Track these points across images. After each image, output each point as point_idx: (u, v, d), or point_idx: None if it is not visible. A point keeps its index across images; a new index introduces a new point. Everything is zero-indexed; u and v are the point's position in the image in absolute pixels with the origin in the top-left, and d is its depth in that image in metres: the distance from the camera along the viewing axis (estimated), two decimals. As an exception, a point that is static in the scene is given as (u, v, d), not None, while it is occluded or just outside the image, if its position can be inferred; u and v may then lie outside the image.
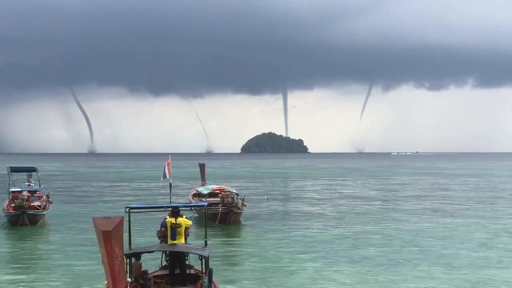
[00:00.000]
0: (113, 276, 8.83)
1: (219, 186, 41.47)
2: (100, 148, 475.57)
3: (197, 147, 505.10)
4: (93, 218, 8.69)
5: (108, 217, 8.72)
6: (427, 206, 45.67)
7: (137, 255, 14.90)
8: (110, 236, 8.50)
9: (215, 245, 26.68)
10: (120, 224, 8.70)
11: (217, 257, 23.62)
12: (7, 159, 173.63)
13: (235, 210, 34.55)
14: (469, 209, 43.40)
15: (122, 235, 8.91)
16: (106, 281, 9.19)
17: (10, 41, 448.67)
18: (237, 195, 35.96)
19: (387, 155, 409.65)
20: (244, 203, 36.33)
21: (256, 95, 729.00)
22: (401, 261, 23.44)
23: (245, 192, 44.95)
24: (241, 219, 35.35)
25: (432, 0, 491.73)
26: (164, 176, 27.91)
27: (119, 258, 8.89)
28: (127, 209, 15.61)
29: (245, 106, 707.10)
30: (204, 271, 14.92)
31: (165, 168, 28.02)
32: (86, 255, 24.29)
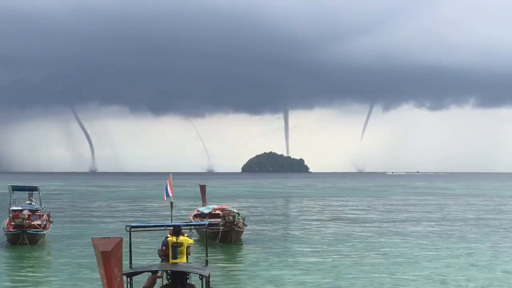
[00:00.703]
0: None
1: (220, 205, 41.40)
2: (102, 167, 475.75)
3: (198, 166, 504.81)
4: (92, 238, 8.66)
5: (107, 238, 8.69)
6: (427, 227, 45.51)
7: (138, 274, 14.86)
8: (109, 257, 8.46)
9: (216, 264, 26.61)
10: (119, 245, 8.66)
11: (218, 276, 23.52)
12: (8, 178, 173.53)
13: (236, 229, 34.50)
14: (470, 229, 43.27)
15: (121, 255, 8.86)
16: None
17: (11, 60, 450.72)
18: (238, 214, 35.91)
19: (382, 174, 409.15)
20: (245, 222, 36.30)
21: (257, 114, 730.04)
22: (404, 283, 23.32)
23: (246, 212, 44.87)
24: (242, 238, 35.27)
25: (433, 19, 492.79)
26: (167, 195, 27.68)
27: (118, 279, 8.82)
28: (128, 228, 15.61)
29: (246, 125, 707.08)
30: None
31: (167, 187, 27.85)
32: (86, 275, 24.18)
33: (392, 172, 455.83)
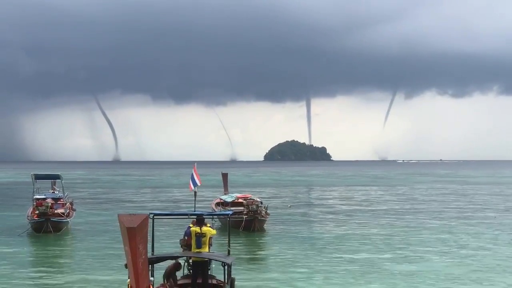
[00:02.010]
0: (136, 274, 8.71)
1: (243, 194, 41.27)
2: (125, 156, 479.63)
3: (221, 155, 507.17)
4: (118, 215, 8.57)
5: (133, 214, 8.60)
6: (451, 215, 44.97)
7: (160, 261, 14.81)
8: (134, 233, 8.37)
9: (239, 253, 26.52)
10: (145, 222, 8.56)
11: (241, 265, 23.40)
12: (32, 167, 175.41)
13: (259, 218, 34.38)
14: (495, 217, 42.69)
15: (147, 233, 8.80)
16: (129, 280, 9.04)
17: (37, 50, 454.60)
18: (261, 203, 35.75)
19: (393, 162, 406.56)
20: (268, 211, 36.16)
21: (279, 102, 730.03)
22: (431, 270, 22.99)
23: (268, 201, 44.66)
24: (264, 227, 35.13)
25: (457, 6, 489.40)
26: (194, 184, 27.04)
27: (143, 256, 8.75)
28: (151, 215, 15.52)
29: (268, 114, 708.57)
30: (226, 280, 14.75)
31: (193, 176, 27.30)
32: (109, 262, 24.20)
33: (403, 160, 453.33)
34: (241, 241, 30.99)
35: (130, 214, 8.61)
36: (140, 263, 8.67)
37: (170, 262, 15.74)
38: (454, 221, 40.86)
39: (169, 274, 15.29)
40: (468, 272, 22.63)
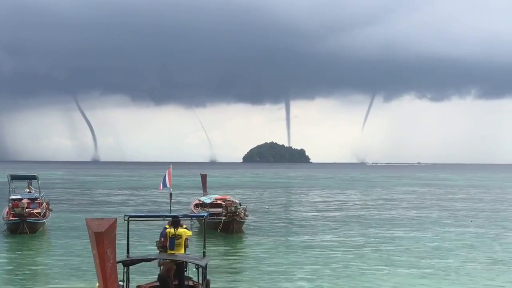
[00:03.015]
0: (105, 278, 8.73)
1: (221, 195, 41.20)
2: (104, 157, 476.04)
3: (201, 156, 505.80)
4: (86, 219, 8.56)
5: (101, 219, 8.59)
6: (427, 217, 45.33)
7: (135, 263, 14.74)
8: (102, 238, 8.39)
9: (217, 255, 26.51)
10: (113, 226, 8.58)
11: (218, 266, 23.42)
12: (11, 167, 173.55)
13: (238, 219, 34.37)
14: (472, 221, 43.07)
15: (115, 237, 8.79)
16: (98, 284, 9.07)
17: (16, 49, 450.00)
18: (240, 204, 35.73)
19: (362, 165, 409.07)
20: (246, 213, 36.15)
21: (259, 104, 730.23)
22: (403, 272, 23.15)
23: (247, 202, 44.67)
24: (243, 228, 35.13)
25: (435, 11, 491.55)
26: (164, 185, 27.64)
27: (111, 261, 8.76)
28: (126, 217, 15.44)
29: (248, 116, 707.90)
30: (201, 282, 14.75)
31: (165, 176, 27.71)
32: (85, 263, 24.00)
33: (372, 163, 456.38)
34: (219, 243, 30.94)
35: (98, 218, 8.60)
36: (108, 267, 8.67)
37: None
38: (428, 223, 41.19)
39: (164, 280, 15.17)
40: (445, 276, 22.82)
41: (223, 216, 34.23)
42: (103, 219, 8.58)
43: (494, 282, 21.73)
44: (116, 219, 8.60)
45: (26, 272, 23.07)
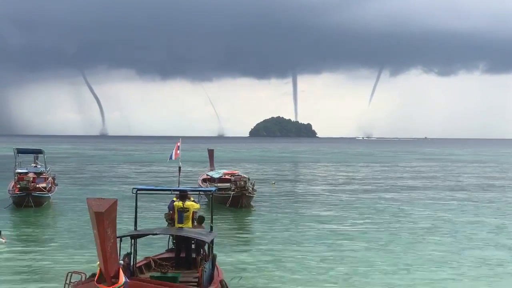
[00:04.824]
0: (105, 258, 8.70)
1: (230, 170, 40.92)
2: (112, 131, 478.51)
3: (209, 131, 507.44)
4: (87, 199, 8.42)
5: (102, 199, 8.47)
6: (434, 193, 44.95)
7: (142, 237, 14.58)
8: (102, 218, 8.27)
9: (225, 229, 26.27)
10: (113, 206, 8.46)
11: (226, 241, 23.23)
12: (19, 141, 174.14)
13: (247, 194, 34.10)
14: (477, 195, 42.66)
15: (116, 217, 8.68)
16: (98, 262, 9.03)
17: (24, 23, 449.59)
18: (248, 179, 35.43)
19: (353, 139, 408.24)
20: (254, 187, 35.88)
21: (264, 78, 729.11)
22: (411, 246, 22.82)
23: (254, 176, 44.41)
24: (251, 203, 34.87)
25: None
26: (171, 158, 27.51)
27: (112, 240, 8.68)
28: (135, 190, 15.20)
29: (254, 90, 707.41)
30: (207, 256, 14.54)
31: (173, 149, 27.56)
32: (90, 237, 23.72)
33: (362, 138, 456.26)
34: (228, 218, 30.69)
35: (98, 198, 8.48)
36: (108, 246, 8.62)
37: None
38: (435, 199, 40.85)
39: None
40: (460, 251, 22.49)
41: (232, 191, 33.97)
42: (103, 199, 8.45)
43: None
44: (116, 199, 8.44)
45: (30, 246, 22.82)
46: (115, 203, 8.43)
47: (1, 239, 21.78)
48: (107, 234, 8.45)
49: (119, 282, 9.10)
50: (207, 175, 40.89)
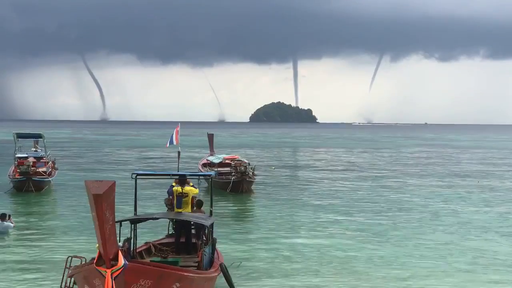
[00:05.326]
0: (104, 240, 8.74)
1: (230, 155, 40.83)
2: (113, 116, 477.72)
3: (210, 116, 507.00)
4: (85, 181, 8.48)
5: (100, 181, 8.50)
6: (434, 179, 44.94)
7: (142, 221, 14.64)
8: (101, 200, 8.33)
9: (225, 214, 26.28)
10: (111, 188, 8.52)
11: (227, 226, 23.26)
12: (19, 126, 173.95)
13: (247, 179, 34.05)
14: (478, 182, 42.64)
15: (114, 199, 8.72)
16: (97, 245, 9.07)
17: (25, 7, 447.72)
18: (249, 164, 35.37)
19: (349, 125, 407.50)
20: (255, 172, 35.85)
21: (265, 64, 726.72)
22: (412, 233, 22.85)
23: (254, 162, 44.38)
24: (252, 188, 34.85)
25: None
26: (171, 143, 27.43)
27: (110, 223, 8.74)
28: (134, 175, 15.23)
29: (254, 75, 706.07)
30: (207, 240, 14.58)
31: (172, 134, 27.48)
32: (89, 222, 23.75)
33: (358, 123, 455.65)
34: (228, 203, 30.69)
35: (97, 180, 8.53)
36: (107, 228, 8.65)
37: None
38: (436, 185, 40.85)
39: None
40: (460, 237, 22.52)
41: (233, 176, 33.94)
42: (102, 181, 8.53)
43: None
44: (114, 181, 8.47)
45: (30, 230, 22.86)
46: (113, 185, 8.45)
47: (10, 223, 21.92)
48: (106, 217, 8.50)
49: (118, 264, 9.07)
50: (207, 160, 40.81)
